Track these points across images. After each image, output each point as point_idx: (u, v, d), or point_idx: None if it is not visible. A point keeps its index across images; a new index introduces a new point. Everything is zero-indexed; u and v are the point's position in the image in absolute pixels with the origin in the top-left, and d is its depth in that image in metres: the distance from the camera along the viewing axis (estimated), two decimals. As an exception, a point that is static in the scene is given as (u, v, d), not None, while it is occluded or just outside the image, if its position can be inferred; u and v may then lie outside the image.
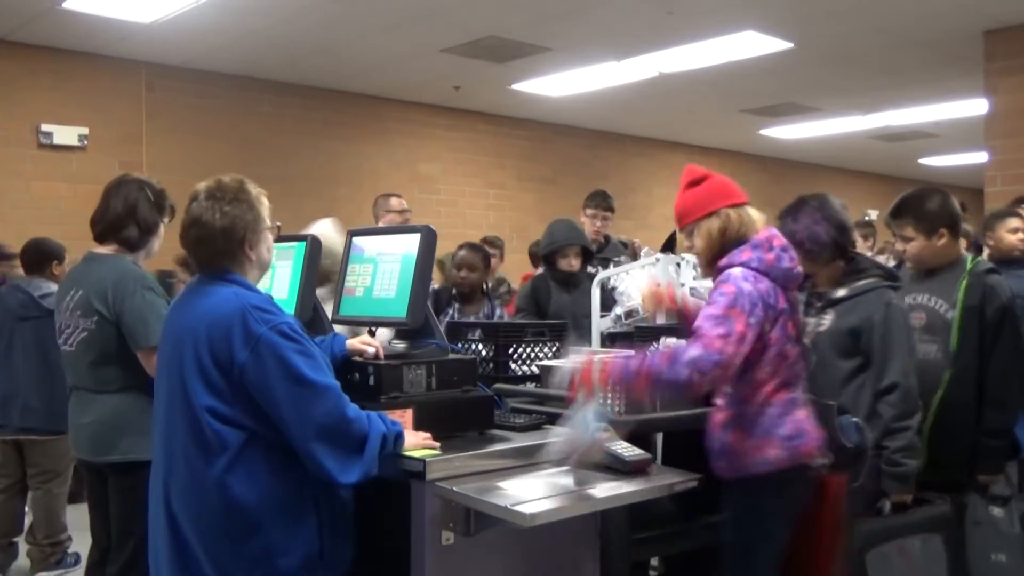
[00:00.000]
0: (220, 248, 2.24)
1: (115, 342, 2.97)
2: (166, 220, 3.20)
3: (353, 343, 2.54)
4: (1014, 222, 4.40)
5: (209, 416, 2.11)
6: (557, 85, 8.65)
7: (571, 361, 2.43)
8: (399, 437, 2.24)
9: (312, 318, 2.77)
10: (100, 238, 3.12)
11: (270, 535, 2.12)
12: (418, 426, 2.36)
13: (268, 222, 2.32)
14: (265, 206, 2.32)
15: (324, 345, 2.49)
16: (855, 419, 2.70)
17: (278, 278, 2.79)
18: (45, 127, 7.25)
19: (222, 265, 2.26)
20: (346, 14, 6.53)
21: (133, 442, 2.95)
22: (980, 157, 7.25)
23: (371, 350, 2.51)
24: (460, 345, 3.12)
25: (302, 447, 2.11)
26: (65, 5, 6.23)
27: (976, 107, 7.86)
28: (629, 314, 4.26)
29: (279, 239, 2.56)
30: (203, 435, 2.12)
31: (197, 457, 2.12)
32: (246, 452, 2.12)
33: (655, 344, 3.25)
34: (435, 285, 4.83)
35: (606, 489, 2.27)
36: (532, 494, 2.19)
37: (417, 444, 2.28)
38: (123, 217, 3.08)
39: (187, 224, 2.27)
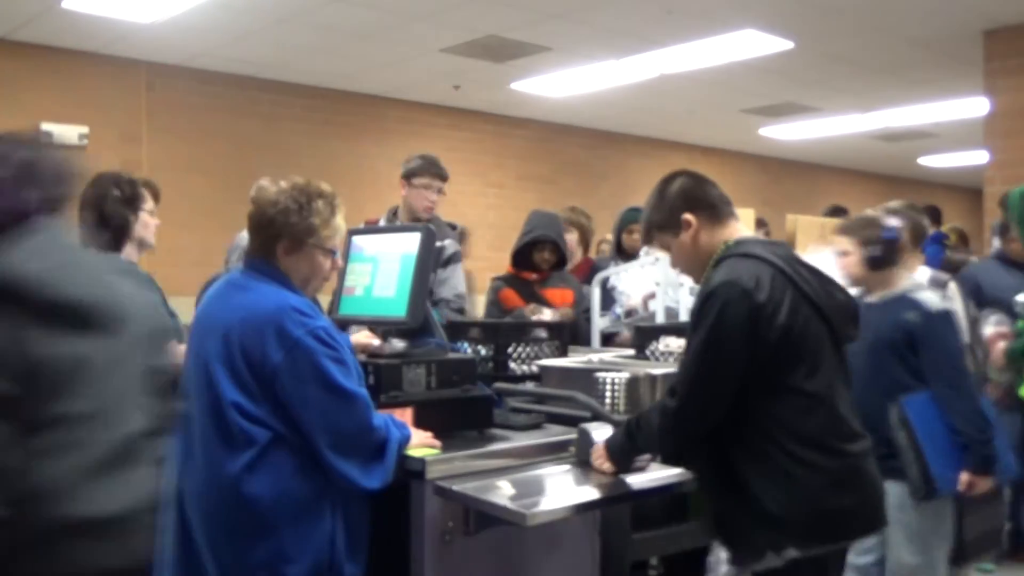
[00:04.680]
0: (259, 232, 2.25)
1: None
2: (146, 205, 3.11)
3: (358, 339, 2.55)
4: None
5: (235, 412, 2.09)
6: (557, 85, 8.64)
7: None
8: (407, 440, 2.25)
9: None
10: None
11: (281, 539, 2.09)
12: (417, 425, 2.36)
13: (325, 244, 2.27)
14: (332, 227, 2.28)
15: None
16: None
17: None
18: (45, 126, 7.24)
19: (263, 256, 2.25)
20: (345, 14, 6.52)
21: None
22: (980, 157, 7.25)
23: (376, 342, 2.53)
24: (460, 344, 3.12)
25: (326, 453, 2.10)
26: (65, 5, 6.22)
27: (976, 107, 7.86)
28: (628, 313, 4.26)
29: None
30: (228, 430, 2.10)
31: (220, 451, 2.10)
32: (271, 451, 2.10)
33: (654, 343, 3.24)
34: None
35: (606, 489, 2.27)
36: (531, 493, 2.19)
37: (419, 443, 2.29)
38: (94, 224, 3.01)
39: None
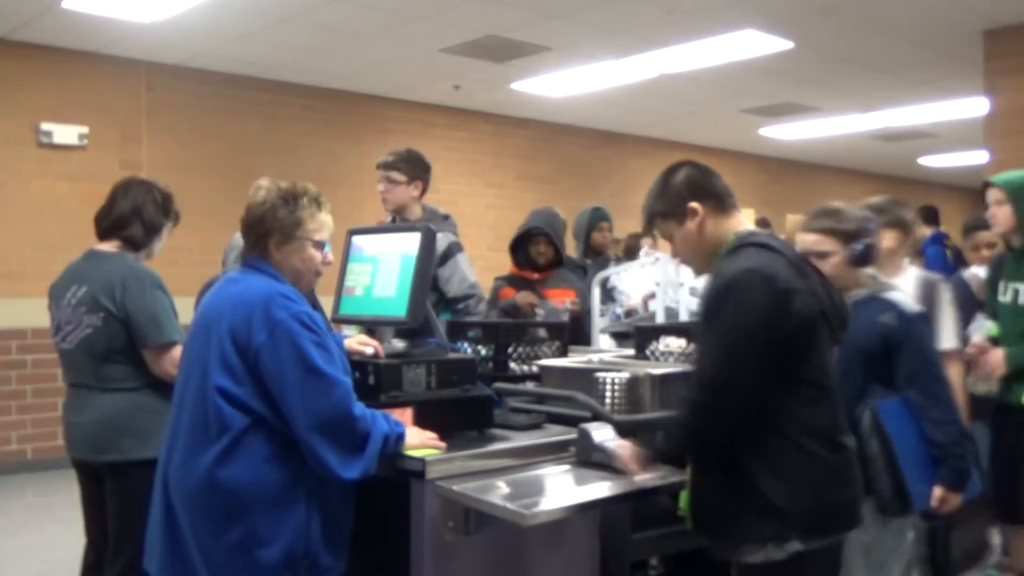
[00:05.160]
0: (250, 231, 2.35)
1: (121, 339, 2.99)
2: (170, 224, 3.26)
3: (351, 343, 2.55)
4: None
5: (219, 396, 2.16)
6: (557, 85, 8.65)
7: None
8: (400, 438, 2.25)
9: None
10: (104, 235, 3.15)
11: (255, 522, 2.14)
12: (418, 425, 2.36)
13: (314, 236, 2.36)
14: (319, 221, 2.38)
15: None
16: None
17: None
18: (45, 126, 7.25)
19: (257, 253, 2.35)
20: (345, 14, 6.52)
21: (133, 442, 2.95)
22: (980, 157, 7.25)
23: (369, 350, 2.52)
24: (460, 344, 3.12)
25: (304, 437, 2.14)
26: (65, 4, 6.22)
27: (976, 107, 7.86)
28: (628, 313, 4.26)
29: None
30: (207, 414, 2.17)
31: (199, 434, 2.18)
32: (246, 437, 2.16)
33: (655, 343, 3.24)
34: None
35: (606, 488, 2.27)
36: (531, 493, 2.19)
37: (421, 443, 2.29)
38: (129, 216, 3.13)
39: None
